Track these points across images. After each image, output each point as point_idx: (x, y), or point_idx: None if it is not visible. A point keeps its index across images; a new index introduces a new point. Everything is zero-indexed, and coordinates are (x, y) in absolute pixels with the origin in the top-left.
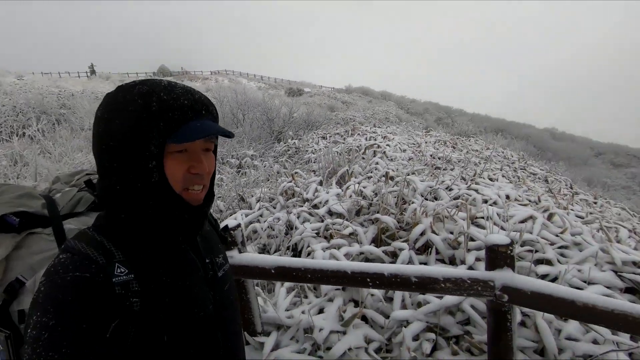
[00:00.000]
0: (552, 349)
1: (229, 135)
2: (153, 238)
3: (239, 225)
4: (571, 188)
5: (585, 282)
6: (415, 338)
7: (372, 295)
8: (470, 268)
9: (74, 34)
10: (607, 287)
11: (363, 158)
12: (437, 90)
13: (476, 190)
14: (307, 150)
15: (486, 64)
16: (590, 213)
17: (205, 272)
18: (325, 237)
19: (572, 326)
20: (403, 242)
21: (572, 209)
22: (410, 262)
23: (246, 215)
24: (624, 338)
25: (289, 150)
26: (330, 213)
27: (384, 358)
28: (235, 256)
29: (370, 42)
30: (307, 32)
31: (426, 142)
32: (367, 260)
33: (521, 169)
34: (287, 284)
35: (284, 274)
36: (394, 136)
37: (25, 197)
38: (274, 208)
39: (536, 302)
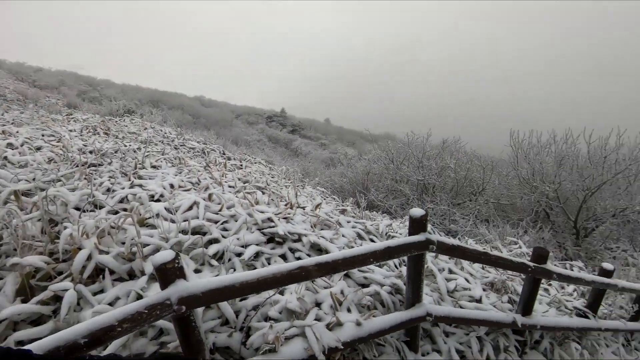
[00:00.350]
0: (231, 317)
1: None
2: None
3: None
4: (224, 154)
5: (243, 246)
6: None
7: None
8: (153, 275)
9: None
10: (257, 245)
11: None
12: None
13: (141, 186)
14: None
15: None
16: (239, 179)
17: None
18: None
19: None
20: (66, 277)
21: (225, 181)
22: (81, 299)
23: None
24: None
25: None
26: None
27: None
28: None
29: None
30: None
31: (70, 132)
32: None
33: (181, 145)
34: None
35: None
36: (18, 128)
37: None
38: None
39: (210, 298)
